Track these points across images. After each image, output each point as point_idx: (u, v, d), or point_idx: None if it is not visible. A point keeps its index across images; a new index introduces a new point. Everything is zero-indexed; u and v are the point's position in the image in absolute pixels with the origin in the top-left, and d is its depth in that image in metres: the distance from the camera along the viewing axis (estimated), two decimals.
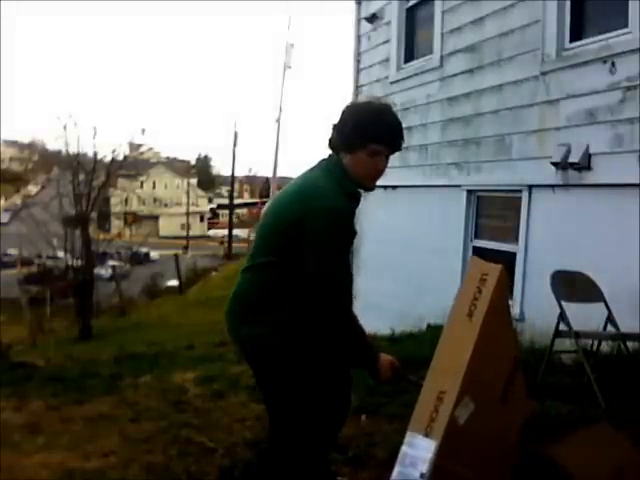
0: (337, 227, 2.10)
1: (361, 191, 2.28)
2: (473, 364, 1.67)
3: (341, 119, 2.21)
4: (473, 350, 1.68)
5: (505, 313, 1.87)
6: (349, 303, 2.17)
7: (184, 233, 48.40)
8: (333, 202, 2.11)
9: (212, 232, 53.14)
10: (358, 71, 9.21)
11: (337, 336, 2.13)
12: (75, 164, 18.58)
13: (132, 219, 39.37)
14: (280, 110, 25.97)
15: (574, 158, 5.10)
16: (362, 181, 2.23)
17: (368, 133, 2.15)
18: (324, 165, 2.25)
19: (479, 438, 1.73)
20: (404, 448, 1.63)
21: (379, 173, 2.22)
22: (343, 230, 2.13)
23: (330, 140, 2.24)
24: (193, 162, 69.62)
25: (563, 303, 4.33)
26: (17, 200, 43.61)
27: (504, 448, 1.91)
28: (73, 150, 18.93)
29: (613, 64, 4.86)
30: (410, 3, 8.16)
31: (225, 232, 42.28)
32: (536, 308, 5.58)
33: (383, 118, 2.19)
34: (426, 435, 1.61)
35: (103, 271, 22.83)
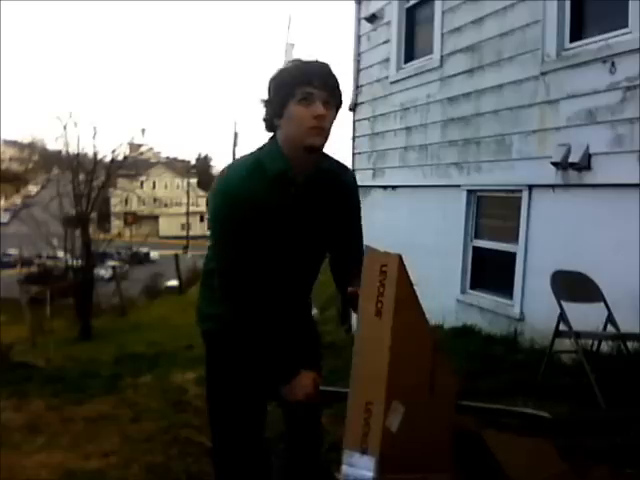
0: (218, 212, 1.93)
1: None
2: (393, 366, 1.62)
3: (267, 90, 1.94)
4: (390, 352, 1.61)
5: (412, 301, 1.75)
6: (244, 301, 1.93)
7: (184, 233, 48.37)
8: (223, 186, 1.92)
9: None
10: (358, 71, 9.21)
11: (236, 338, 1.97)
12: (75, 164, 18.60)
13: (132, 219, 39.38)
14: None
15: (574, 158, 5.10)
16: (300, 140, 1.87)
17: (293, 79, 1.86)
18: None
19: (416, 437, 1.70)
20: (345, 468, 1.59)
21: (318, 120, 1.84)
22: (224, 215, 1.91)
23: (264, 119, 1.95)
24: (193, 162, 69.62)
25: (563, 303, 4.33)
26: (17, 200, 43.63)
27: (442, 436, 1.89)
28: (73, 150, 18.96)
29: (613, 64, 4.86)
30: (410, 3, 8.16)
31: None
32: (536, 308, 5.58)
33: (306, 62, 1.92)
34: (363, 452, 1.57)
35: (103, 271, 22.83)
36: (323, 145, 1.91)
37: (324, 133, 1.89)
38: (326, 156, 2.03)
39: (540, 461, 2.37)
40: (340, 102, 1.95)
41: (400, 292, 1.65)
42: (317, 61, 1.93)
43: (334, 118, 1.93)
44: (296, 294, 2.12)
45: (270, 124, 1.94)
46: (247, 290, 1.94)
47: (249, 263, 1.93)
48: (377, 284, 1.65)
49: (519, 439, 2.64)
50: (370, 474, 1.54)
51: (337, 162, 2.08)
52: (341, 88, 1.94)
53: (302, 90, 1.84)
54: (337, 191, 2.02)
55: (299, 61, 1.92)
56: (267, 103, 1.93)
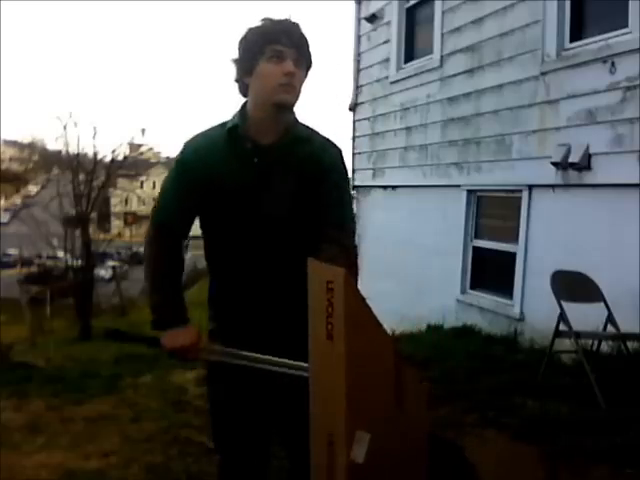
0: (165, 179, 1.96)
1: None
2: (352, 394, 1.49)
3: (237, 49, 1.88)
4: (347, 379, 1.49)
5: (366, 317, 1.61)
6: (154, 241, 1.95)
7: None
8: (179, 152, 1.93)
9: None
10: (358, 71, 9.21)
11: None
12: (75, 164, 18.60)
13: (132, 219, 39.38)
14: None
15: (574, 158, 5.10)
16: (269, 97, 1.81)
17: (261, 37, 1.81)
18: None
19: (387, 457, 1.62)
20: None
21: (288, 77, 1.79)
22: (170, 179, 1.93)
23: (235, 79, 1.90)
24: None
25: (563, 303, 4.33)
26: (17, 200, 43.64)
27: (416, 450, 1.79)
28: (73, 150, 18.96)
29: (613, 64, 4.86)
30: (410, 3, 8.17)
31: None
32: (536, 308, 5.58)
33: (276, 21, 1.85)
34: None
35: (103, 271, 22.84)
36: (293, 103, 1.84)
37: (294, 91, 1.83)
38: (304, 126, 1.93)
39: (518, 470, 2.34)
40: (310, 62, 1.88)
41: (350, 310, 1.50)
42: (287, 20, 1.87)
43: (304, 78, 1.88)
44: (264, 273, 1.89)
45: (242, 86, 1.89)
46: (167, 264, 1.94)
47: (181, 232, 1.95)
48: (325, 303, 1.50)
49: (502, 446, 2.61)
50: None
51: (320, 135, 1.94)
52: (311, 49, 1.88)
53: (272, 48, 1.79)
54: (311, 162, 1.86)
55: (269, 20, 1.86)
56: (237, 62, 1.87)
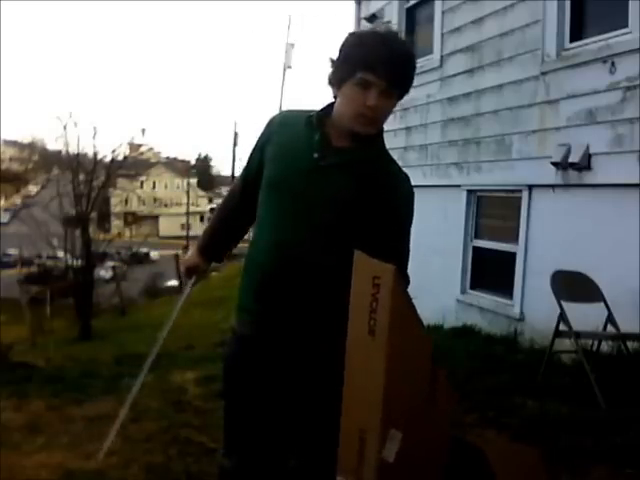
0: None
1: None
2: (389, 391, 1.46)
3: (338, 50, 1.81)
4: (385, 376, 1.46)
5: (410, 316, 1.58)
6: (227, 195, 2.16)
7: (184, 233, 48.34)
8: None
9: None
10: None
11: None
12: (75, 164, 18.59)
13: (132, 219, 39.38)
14: (280, 110, 25.93)
15: (574, 158, 5.10)
16: (347, 123, 1.76)
17: (357, 59, 1.71)
18: None
19: (415, 456, 1.57)
20: None
21: (369, 111, 1.71)
22: (258, 136, 1.96)
23: (328, 77, 1.84)
24: (193, 162, 69.64)
25: (563, 303, 4.34)
26: (17, 200, 43.64)
27: (439, 447, 1.76)
28: (73, 150, 18.95)
29: (613, 64, 4.86)
30: (410, 3, 8.17)
31: None
32: (536, 308, 5.58)
33: (380, 43, 1.72)
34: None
35: (103, 272, 22.83)
36: (370, 135, 1.78)
37: (374, 123, 1.76)
38: (383, 146, 1.87)
39: (527, 473, 2.33)
40: (405, 92, 1.79)
41: (396, 307, 1.48)
42: (394, 43, 1.74)
43: (393, 106, 1.80)
44: (292, 268, 1.80)
45: (333, 90, 1.83)
46: (228, 205, 2.11)
47: (244, 189, 2.01)
48: (369, 298, 1.48)
49: (512, 448, 2.59)
50: None
51: (398, 166, 1.88)
52: (411, 77, 1.78)
53: (362, 75, 1.70)
54: (386, 184, 1.79)
55: (374, 37, 1.75)
56: (333, 66, 1.81)
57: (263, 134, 1.92)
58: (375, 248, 1.62)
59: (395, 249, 1.78)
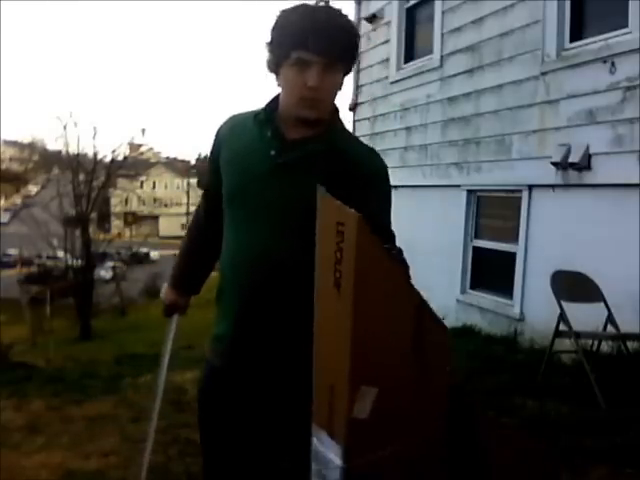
0: None
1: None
2: (358, 346, 1.36)
3: (270, 32, 1.62)
4: (353, 331, 1.35)
5: (380, 265, 1.41)
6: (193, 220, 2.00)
7: (184, 233, 48.26)
8: None
9: None
10: (358, 71, 9.21)
11: None
12: (75, 164, 18.62)
13: (132, 219, 39.38)
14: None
15: (574, 158, 5.10)
16: (292, 110, 1.60)
17: (288, 38, 1.55)
18: None
19: (396, 408, 1.46)
20: (315, 442, 1.44)
21: (311, 92, 1.54)
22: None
23: (266, 64, 1.66)
24: (193, 162, 69.65)
25: (563, 303, 4.34)
26: (17, 200, 43.65)
27: (430, 394, 1.58)
28: (73, 150, 18.98)
29: (613, 64, 4.86)
30: (410, 3, 8.17)
31: None
32: (536, 308, 5.58)
33: (310, 16, 1.55)
34: (331, 436, 1.40)
35: (103, 272, 22.84)
36: (318, 118, 1.60)
37: (320, 105, 1.58)
38: (343, 126, 1.71)
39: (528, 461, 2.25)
40: (350, 64, 1.63)
41: (362, 259, 1.33)
42: (324, 12, 1.58)
43: (340, 82, 1.63)
44: (259, 273, 1.64)
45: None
46: (194, 227, 1.98)
47: (208, 206, 1.87)
48: (334, 247, 1.33)
49: (515, 435, 2.50)
50: (338, 461, 1.38)
51: (362, 145, 1.73)
52: (352, 46, 1.62)
53: (296, 55, 1.53)
54: (352, 168, 1.61)
55: (303, 11, 1.57)
56: (268, 51, 1.63)
57: (213, 146, 1.76)
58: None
59: (381, 227, 1.62)
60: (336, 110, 1.69)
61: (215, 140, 1.76)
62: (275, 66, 1.60)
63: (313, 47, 1.52)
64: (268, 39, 1.61)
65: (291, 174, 1.60)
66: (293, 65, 1.55)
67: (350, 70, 1.65)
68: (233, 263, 1.67)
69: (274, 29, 1.59)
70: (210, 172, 1.78)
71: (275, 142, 1.62)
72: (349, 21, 1.63)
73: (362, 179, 1.60)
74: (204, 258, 1.96)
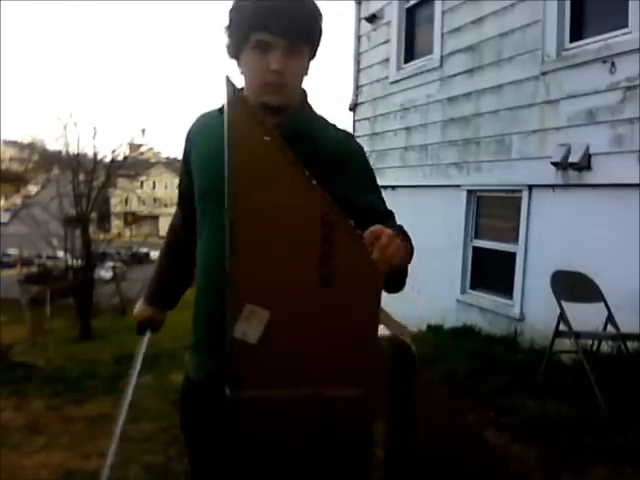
0: None
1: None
2: (242, 258, 1.23)
3: (228, 15, 1.53)
4: (234, 240, 1.23)
5: (271, 159, 1.23)
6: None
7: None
8: None
9: None
10: (358, 71, 9.22)
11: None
12: (75, 164, 18.61)
13: (132, 219, 39.37)
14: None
15: (574, 158, 5.10)
16: (255, 96, 1.49)
17: (247, 19, 1.45)
18: None
19: (297, 346, 1.31)
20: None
21: (274, 76, 1.45)
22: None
23: (226, 49, 1.56)
24: None
25: (563, 303, 4.34)
26: (17, 200, 43.65)
27: (348, 341, 1.34)
28: (73, 150, 18.98)
29: (613, 64, 4.86)
30: (410, 3, 8.17)
31: None
32: (536, 308, 5.58)
33: None
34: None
35: (103, 272, 22.83)
36: (283, 104, 1.49)
37: (284, 90, 1.48)
38: (311, 110, 1.60)
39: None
40: (315, 44, 1.53)
41: (247, 148, 1.21)
42: None
43: (305, 65, 1.53)
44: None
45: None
46: (169, 239, 1.86)
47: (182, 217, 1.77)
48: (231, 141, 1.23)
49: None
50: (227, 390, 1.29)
51: (334, 128, 1.60)
52: (316, 25, 1.51)
53: (257, 36, 1.44)
54: (325, 152, 1.50)
55: None
56: (227, 36, 1.53)
57: (184, 151, 1.68)
58: (356, 212, 1.41)
59: (375, 201, 1.56)
60: (304, 95, 1.59)
61: (186, 142, 1.68)
62: (235, 51, 1.51)
63: (274, 28, 1.43)
64: (226, 22, 1.51)
65: None
66: (254, 48, 1.46)
67: (316, 54, 1.55)
68: (205, 263, 1.59)
69: (232, 11, 1.50)
70: (183, 175, 1.71)
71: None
72: (311, 0, 1.53)
73: (336, 165, 1.48)
74: (183, 270, 1.84)
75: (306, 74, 1.54)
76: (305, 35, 1.48)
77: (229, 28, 1.50)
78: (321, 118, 1.60)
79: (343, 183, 1.45)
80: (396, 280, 1.44)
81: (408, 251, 1.44)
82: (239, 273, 1.26)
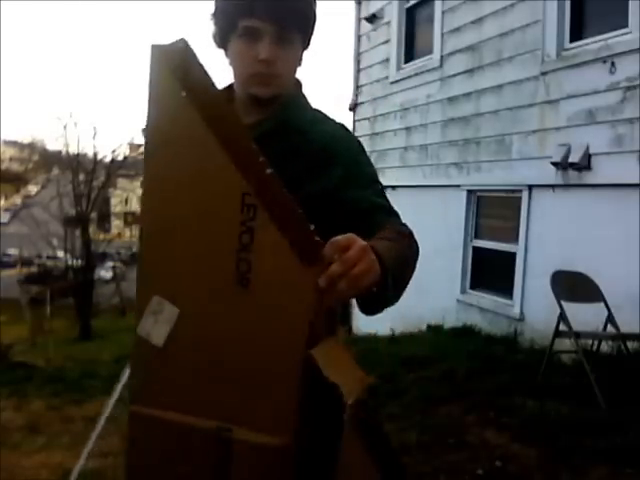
0: None
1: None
2: (146, 243, 1.08)
3: (214, 1, 1.43)
4: (143, 227, 1.08)
5: (189, 113, 0.99)
6: None
7: None
8: None
9: None
10: (358, 71, 9.22)
11: None
12: (75, 164, 18.62)
13: (132, 219, 39.36)
14: None
15: (574, 158, 5.10)
16: (243, 87, 1.39)
17: (234, 4, 1.35)
18: None
19: (204, 354, 1.06)
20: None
21: (263, 66, 1.33)
22: None
23: (212, 38, 1.44)
24: None
25: (563, 303, 4.34)
26: (17, 200, 43.65)
27: (262, 361, 1.03)
28: (73, 150, 18.98)
29: (613, 64, 4.86)
30: (410, 3, 8.17)
31: None
32: (536, 308, 5.58)
33: None
34: None
35: (103, 272, 22.84)
36: (274, 96, 1.37)
37: (273, 81, 1.36)
38: (304, 102, 1.46)
39: None
40: (308, 33, 1.41)
41: (163, 107, 1.03)
42: None
43: (297, 55, 1.40)
44: None
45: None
46: None
47: None
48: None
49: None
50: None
51: (331, 124, 1.44)
52: (309, 11, 1.39)
53: (244, 23, 1.33)
54: (313, 148, 1.36)
55: None
56: (213, 23, 1.42)
57: None
58: (348, 212, 1.31)
59: (377, 206, 1.37)
60: (298, 85, 1.47)
61: None
62: (222, 40, 1.39)
63: (262, 13, 1.32)
64: (212, 9, 1.41)
65: None
66: (241, 36, 1.34)
67: (309, 43, 1.42)
68: None
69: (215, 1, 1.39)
70: None
71: None
72: None
73: (328, 159, 1.35)
74: None
75: (299, 64, 1.43)
76: (297, 21, 1.36)
77: (215, 15, 1.40)
78: (315, 110, 1.47)
79: (332, 177, 1.33)
80: (376, 300, 1.16)
81: (409, 256, 1.27)
82: (145, 258, 1.09)
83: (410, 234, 1.35)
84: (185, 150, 1.03)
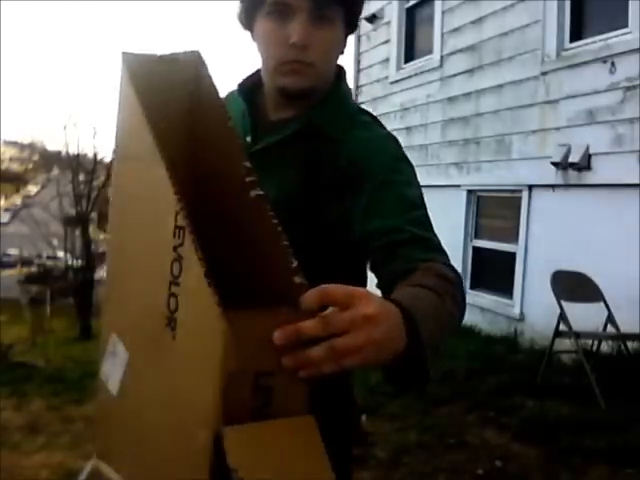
0: None
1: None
2: (109, 268, 0.96)
3: None
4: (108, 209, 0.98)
5: (139, 118, 0.83)
6: None
7: None
8: None
9: None
10: (358, 71, 9.22)
11: None
12: (75, 164, 18.61)
13: None
14: None
15: (574, 158, 5.11)
16: (272, 76, 1.13)
17: None
18: None
19: (134, 411, 0.87)
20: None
21: (295, 51, 1.07)
22: None
23: (238, 19, 1.20)
24: None
25: (563, 303, 4.34)
26: (17, 200, 43.64)
27: (184, 415, 0.77)
28: (73, 150, 18.97)
29: (613, 64, 4.86)
30: (410, 3, 8.17)
31: None
32: (536, 308, 5.58)
33: None
34: None
35: (103, 272, 22.84)
36: (307, 89, 1.11)
37: (308, 70, 1.09)
38: (345, 112, 1.18)
39: None
40: (354, 12, 1.14)
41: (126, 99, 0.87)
42: None
43: (338, 38, 1.13)
44: None
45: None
46: None
47: None
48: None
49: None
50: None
51: (369, 130, 1.20)
52: None
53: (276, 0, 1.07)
54: (344, 160, 1.10)
55: None
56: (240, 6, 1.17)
57: None
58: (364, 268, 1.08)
59: (417, 238, 1.03)
60: (340, 76, 1.20)
61: None
62: (247, 18, 1.14)
63: None
64: None
65: (268, 166, 1.04)
66: (269, 13, 1.09)
67: (355, 24, 1.16)
68: None
69: None
70: None
71: (252, 124, 1.18)
72: None
73: (356, 176, 1.09)
74: None
75: (342, 51, 1.16)
76: None
77: None
78: (359, 112, 1.21)
79: (356, 201, 1.06)
80: (404, 376, 0.82)
81: (453, 313, 0.90)
82: (107, 282, 0.96)
83: (457, 279, 0.97)
84: (135, 160, 0.87)
